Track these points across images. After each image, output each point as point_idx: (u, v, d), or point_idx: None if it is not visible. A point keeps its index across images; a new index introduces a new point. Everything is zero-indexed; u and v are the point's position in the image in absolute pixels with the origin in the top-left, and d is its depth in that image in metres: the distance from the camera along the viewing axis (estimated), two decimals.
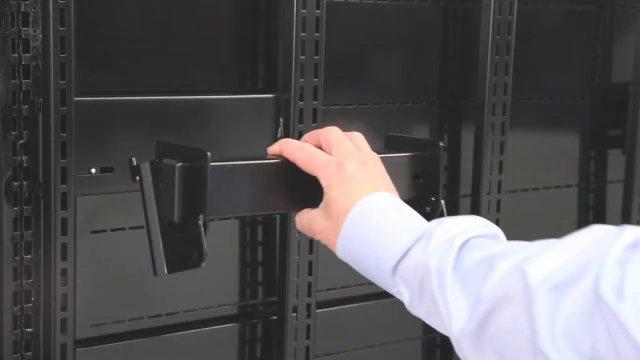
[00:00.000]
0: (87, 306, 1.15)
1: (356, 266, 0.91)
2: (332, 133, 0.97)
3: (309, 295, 1.28)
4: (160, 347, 1.23)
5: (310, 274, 1.28)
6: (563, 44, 1.60)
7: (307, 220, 0.96)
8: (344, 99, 1.34)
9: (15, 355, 1.10)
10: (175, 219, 0.93)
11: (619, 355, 0.68)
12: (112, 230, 1.17)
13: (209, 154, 0.91)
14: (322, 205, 0.94)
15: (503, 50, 1.40)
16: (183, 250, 0.94)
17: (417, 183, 1.05)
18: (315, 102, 1.24)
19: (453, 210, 1.48)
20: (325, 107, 1.27)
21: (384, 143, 1.09)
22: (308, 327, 1.29)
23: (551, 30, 1.59)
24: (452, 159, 1.48)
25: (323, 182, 0.93)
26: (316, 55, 1.23)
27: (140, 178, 0.95)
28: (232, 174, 0.95)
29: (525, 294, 0.74)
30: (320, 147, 0.97)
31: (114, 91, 1.17)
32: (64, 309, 1.11)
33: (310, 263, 1.27)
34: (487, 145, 1.42)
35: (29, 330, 1.11)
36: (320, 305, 1.31)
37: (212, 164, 0.91)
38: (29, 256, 1.10)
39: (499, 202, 1.44)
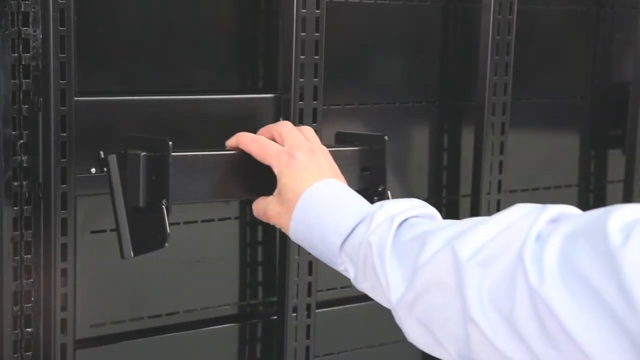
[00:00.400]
0: (87, 306, 1.15)
1: (307, 246, 1.01)
2: (283, 126, 1.08)
3: (309, 295, 1.28)
4: (160, 347, 1.23)
5: (310, 274, 1.28)
6: (563, 44, 1.60)
7: (263, 206, 1.06)
8: (344, 99, 1.34)
9: (15, 355, 1.10)
10: (141, 204, 1.01)
11: (544, 327, 0.72)
12: (112, 230, 1.16)
13: (170, 143, 0.99)
14: (275, 192, 1.03)
15: (503, 50, 1.40)
16: (148, 234, 1.02)
17: (365, 175, 1.15)
18: (315, 102, 1.24)
19: (453, 210, 1.48)
20: (325, 107, 1.27)
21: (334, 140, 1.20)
22: (308, 327, 1.29)
23: (551, 30, 1.59)
24: (452, 159, 1.48)
25: (276, 170, 1.04)
26: (316, 55, 1.23)
27: (108, 169, 1.04)
28: (193, 163, 1.04)
29: (456, 270, 0.80)
30: (273, 140, 1.07)
31: (114, 91, 1.17)
32: (64, 309, 1.11)
33: (310, 263, 1.28)
34: (487, 145, 1.42)
35: (29, 330, 1.11)
36: (320, 305, 1.31)
37: (174, 153, 1.00)
38: (29, 256, 1.10)
39: (499, 202, 1.44)
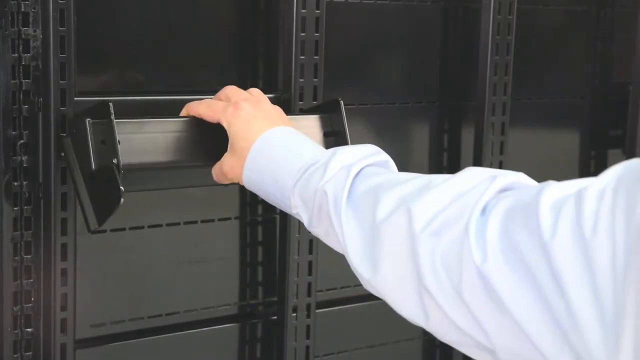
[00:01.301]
0: (87, 306, 1.15)
1: (261, 194, 1.01)
2: (229, 88, 1.10)
3: (309, 295, 1.28)
4: (160, 347, 1.23)
5: (310, 274, 1.28)
6: (563, 44, 1.60)
7: (219, 165, 1.07)
8: (344, 99, 1.34)
9: (15, 355, 1.10)
10: (93, 166, 1.03)
11: (489, 301, 0.74)
12: (112, 230, 1.17)
13: (111, 104, 1.02)
14: (228, 146, 1.04)
15: (503, 50, 1.40)
16: (105, 198, 1.04)
17: (329, 140, 1.17)
18: (315, 102, 1.24)
19: None
20: None
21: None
22: (308, 327, 1.29)
23: (551, 30, 1.59)
24: (452, 159, 1.48)
25: (225, 124, 1.05)
26: (316, 55, 1.23)
27: (65, 151, 1.06)
28: (143, 129, 1.07)
29: (410, 240, 0.81)
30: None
31: (114, 91, 1.17)
32: (64, 309, 1.11)
33: (310, 263, 1.27)
34: (487, 145, 1.42)
35: (29, 330, 1.11)
36: (320, 305, 1.31)
37: (122, 120, 1.03)
38: (29, 256, 1.10)
39: None
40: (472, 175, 0.83)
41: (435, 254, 0.79)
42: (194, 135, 1.09)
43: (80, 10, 1.09)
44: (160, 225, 1.22)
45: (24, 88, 1.07)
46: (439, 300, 0.78)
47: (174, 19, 1.21)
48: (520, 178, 0.82)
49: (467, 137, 1.47)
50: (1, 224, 1.08)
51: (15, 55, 1.06)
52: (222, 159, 1.06)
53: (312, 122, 1.18)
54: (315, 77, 1.24)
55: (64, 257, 1.10)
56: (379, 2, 1.36)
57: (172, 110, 1.17)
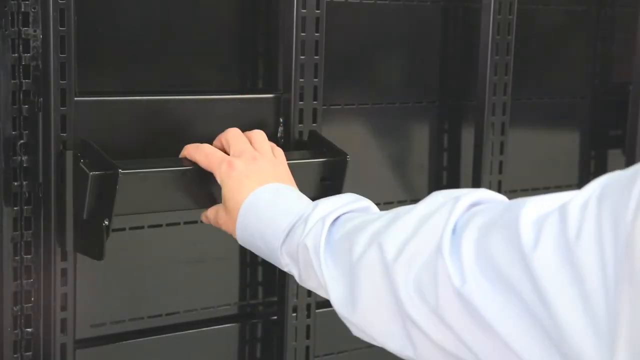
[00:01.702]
0: (87, 306, 1.15)
1: (255, 251, 1.04)
2: (229, 133, 1.12)
3: (309, 295, 1.28)
4: (160, 347, 1.23)
5: None
6: (563, 44, 1.60)
7: (213, 214, 1.10)
8: (344, 99, 1.34)
9: (15, 355, 1.10)
10: (84, 216, 1.05)
11: (469, 321, 0.73)
12: (112, 230, 1.17)
13: (120, 172, 1.02)
14: (222, 200, 1.07)
15: (503, 50, 1.40)
16: (89, 240, 1.06)
17: (325, 185, 1.19)
18: (315, 102, 1.24)
19: None
20: (325, 107, 1.27)
21: (307, 137, 1.23)
22: (308, 327, 1.29)
23: (551, 30, 1.59)
24: (452, 159, 1.48)
25: (218, 180, 1.07)
26: (316, 55, 1.23)
27: (64, 163, 1.06)
28: (144, 181, 1.07)
29: (385, 273, 0.82)
30: (223, 147, 1.11)
31: (114, 91, 1.17)
32: (64, 309, 1.11)
33: None
34: (487, 145, 1.42)
35: (29, 330, 1.11)
36: (320, 305, 1.31)
37: (124, 172, 1.03)
38: (29, 256, 1.10)
39: None
40: (435, 200, 0.83)
41: (409, 280, 0.79)
42: (190, 182, 1.10)
43: (80, 10, 1.09)
44: (160, 225, 1.22)
45: (24, 88, 1.07)
46: (422, 326, 0.78)
47: (174, 19, 1.21)
48: (484, 194, 0.82)
49: (467, 137, 1.47)
50: (1, 224, 1.08)
51: (15, 55, 1.06)
52: (217, 210, 1.09)
53: (311, 169, 1.19)
54: (315, 77, 1.24)
55: (64, 257, 1.10)
56: (379, 2, 1.36)
57: (172, 109, 1.17)
